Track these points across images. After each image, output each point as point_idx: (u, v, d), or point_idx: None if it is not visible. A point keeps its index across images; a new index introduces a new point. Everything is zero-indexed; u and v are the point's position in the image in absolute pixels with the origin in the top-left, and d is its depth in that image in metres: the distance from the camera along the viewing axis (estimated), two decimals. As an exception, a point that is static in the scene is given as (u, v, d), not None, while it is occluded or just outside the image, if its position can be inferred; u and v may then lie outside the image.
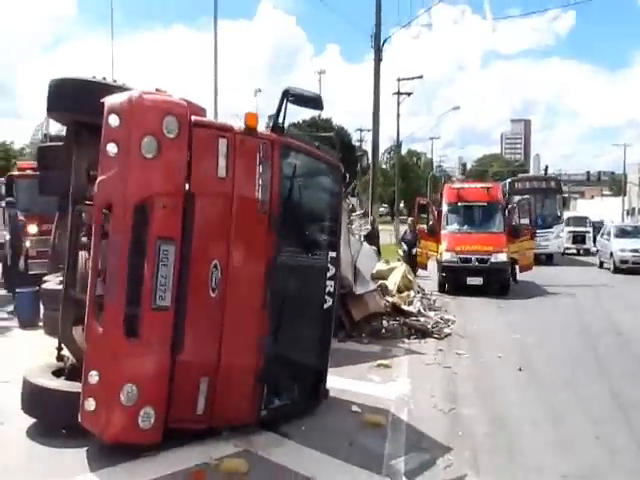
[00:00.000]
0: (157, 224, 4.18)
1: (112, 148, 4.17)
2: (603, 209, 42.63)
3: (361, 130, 45.64)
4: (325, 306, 5.27)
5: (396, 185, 41.18)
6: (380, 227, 20.30)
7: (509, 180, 25.32)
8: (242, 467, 4.12)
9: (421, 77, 35.57)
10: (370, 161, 21.87)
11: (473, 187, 16.60)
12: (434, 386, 6.38)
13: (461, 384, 6.56)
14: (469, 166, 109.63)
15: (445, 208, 15.57)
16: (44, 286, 8.15)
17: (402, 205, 48.72)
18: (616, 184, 79.43)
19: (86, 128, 4.96)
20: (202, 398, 4.41)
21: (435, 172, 59.85)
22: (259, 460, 4.28)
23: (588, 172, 70.82)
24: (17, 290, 9.44)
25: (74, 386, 4.54)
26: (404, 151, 56.69)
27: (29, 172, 12.67)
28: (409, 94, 35.44)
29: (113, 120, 4.20)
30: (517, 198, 18.19)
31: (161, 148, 4.17)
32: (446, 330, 9.25)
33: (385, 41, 19.83)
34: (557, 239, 22.61)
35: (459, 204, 15.42)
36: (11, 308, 9.90)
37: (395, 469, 4.29)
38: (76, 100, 4.71)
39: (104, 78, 5.21)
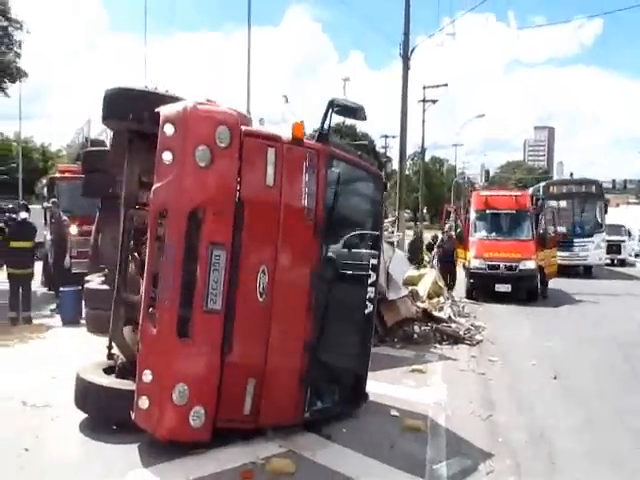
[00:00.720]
0: (209, 230, 4.32)
1: (167, 156, 4.32)
2: (630, 217, 41.87)
3: (386, 137, 45.79)
4: (366, 311, 5.36)
5: (420, 191, 41.12)
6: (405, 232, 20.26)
7: (543, 183, 23.36)
8: (289, 467, 4.23)
9: (446, 85, 35.35)
10: (395, 168, 21.87)
11: (501, 194, 16.49)
12: (470, 392, 6.43)
13: (496, 391, 6.58)
14: (492, 173, 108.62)
15: (473, 215, 15.57)
16: (87, 285, 8.41)
17: (425, 211, 48.63)
18: (643, 192, 77.99)
19: (139, 136, 5.16)
20: (249, 399, 4.54)
21: (458, 179, 59.44)
22: (304, 461, 4.38)
23: (614, 180, 69.54)
24: (60, 289, 9.70)
25: (124, 384, 4.73)
26: (427, 157, 56.49)
27: (68, 174, 13.06)
28: (434, 101, 35.34)
29: (168, 129, 4.35)
30: (552, 203, 17.53)
31: (214, 157, 4.31)
32: (477, 337, 9.28)
33: (412, 50, 19.87)
34: (598, 249, 20.12)
35: (487, 211, 15.38)
36: (54, 306, 10.21)
37: (438, 473, 4.36)
38: (132, 109, 4.89)
39: (155, 88, 5.42)
